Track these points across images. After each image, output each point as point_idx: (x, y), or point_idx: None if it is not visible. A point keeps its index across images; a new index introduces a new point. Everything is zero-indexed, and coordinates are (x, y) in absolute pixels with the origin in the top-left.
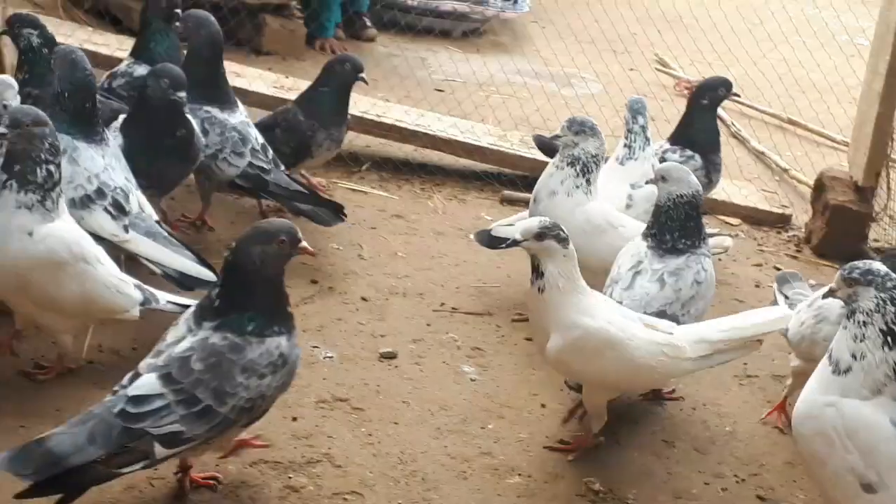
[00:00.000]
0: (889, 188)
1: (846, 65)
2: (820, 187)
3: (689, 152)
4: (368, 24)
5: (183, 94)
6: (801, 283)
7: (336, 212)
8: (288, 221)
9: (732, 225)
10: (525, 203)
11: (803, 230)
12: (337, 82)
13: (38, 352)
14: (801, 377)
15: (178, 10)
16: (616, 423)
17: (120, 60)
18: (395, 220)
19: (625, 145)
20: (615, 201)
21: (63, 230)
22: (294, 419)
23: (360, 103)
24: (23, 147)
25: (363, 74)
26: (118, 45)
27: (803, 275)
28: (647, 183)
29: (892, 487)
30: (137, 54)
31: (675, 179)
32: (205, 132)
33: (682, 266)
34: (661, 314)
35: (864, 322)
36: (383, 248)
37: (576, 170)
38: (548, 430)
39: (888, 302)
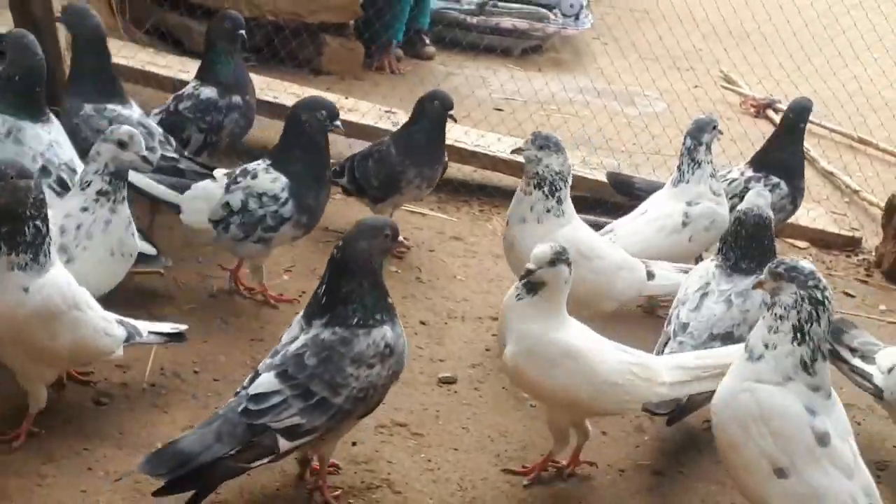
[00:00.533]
0: None
1: None
2: (892, 209)
3: (774, 179)
4: (428, 42)
5: (339, 123)
6: (859, 331)
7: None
8: (387, 217)
9: (800, 248)
10: (593, 225)
11: (874, 254)
12: (428, 120)
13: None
14: None
15: (243, 32)
16: (680, 453)
17: (182, 82)
18: (453, 242)
19: (677, 167)
20: (672, 218)
21: (57, 280)
22: (353, 444)
23: None
24: (6, 202)
25: (453, 112)
26: (180, 67)
27: (866, 299)
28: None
29: (804, 473)
30: (203, 76)
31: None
32: None
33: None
34: (727, 336)
35: (780, 315)
36: (442, 271)
37: (543, 192)
38: (609, 457)
39: (805, 300)
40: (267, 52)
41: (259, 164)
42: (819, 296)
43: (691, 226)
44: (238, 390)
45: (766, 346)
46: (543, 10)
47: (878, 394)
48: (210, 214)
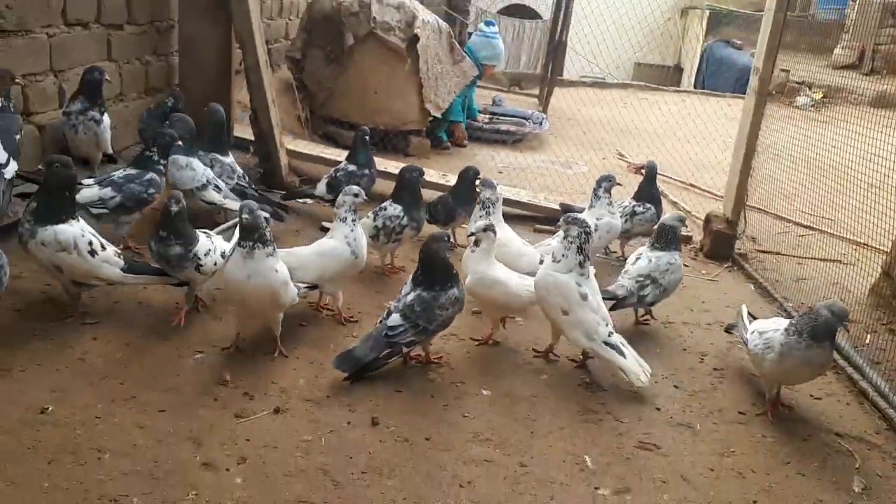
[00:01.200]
0: (745, 221)
1: (722, 153)
2: (707, 220)
3: (647, 205)
4: (465, 142)
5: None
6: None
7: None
8: (446, 230)
9: None
10: (548, 232)
11: (699, 244)
12: (466, 181)
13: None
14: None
15: (368, 136)
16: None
17: (337, 162)
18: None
19: (591, 200)
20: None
21: (280, 262)
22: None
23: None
24: (255, 223)
25: (480, 176)
26: (337, 154)
27: (695, 268)
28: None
29: (576, 312)
30: (349, 159)
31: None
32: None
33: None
34: (647, 276)
35: (570, 242)
36: None
37: (486, 210)
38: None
39: (583, 233)
40: (381, 144)
41: (387, 203)
42: (588, 231)
43: (598, 231)
44: (380, 320)
45: (563, 256)
46: (523, 120)
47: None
48: (369, 233)
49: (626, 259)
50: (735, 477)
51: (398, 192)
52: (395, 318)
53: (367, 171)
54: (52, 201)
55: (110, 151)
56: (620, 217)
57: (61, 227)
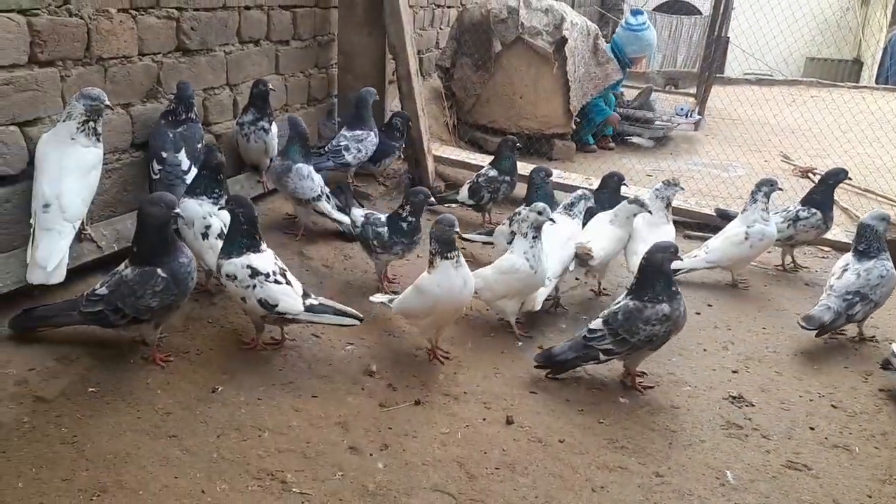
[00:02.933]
0: None
1: (892, 150)
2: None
3: (813, 210)
4: (612, 143)
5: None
6: None
7: None
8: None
9: (824, 250)
10: (700, 238)
11: None
12: (609, 188)
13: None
14: None
15: (515, 143)
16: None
17: (481, 167)
18: None
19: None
20: (736, 235)
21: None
22: None
23: None
24: (443, 234)
25: (624, 182)
26: (482, 160)
27: None
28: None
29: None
30: (493, 164)
31: None
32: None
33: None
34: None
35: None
36: None
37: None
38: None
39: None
40: (525, 149)
41: (521, 208)
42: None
43: (750, 240)
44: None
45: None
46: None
47: None
48: (506, 240)
49: (789, 268)
50: None
51: (529, 195)
52: (597, 323)
53: (507, 178)
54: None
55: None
56: (783, 222)
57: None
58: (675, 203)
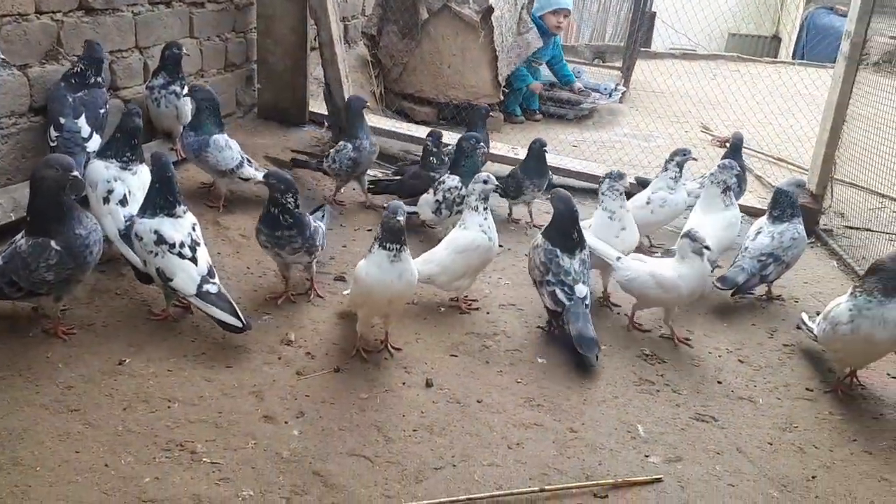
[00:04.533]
0: (832, 195)
1: (805, 122)
2: None
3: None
4: (538, 115)
5: (484, 148)
6: None
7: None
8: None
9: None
10: None
11: None
12: (534, 154)
13: None
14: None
15: (489, 112)
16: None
17: (411, 137)
18: None
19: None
20: (638, 199)
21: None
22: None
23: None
24: (386, 221)
25: (546, 148)
26: (409, 129)
27: None
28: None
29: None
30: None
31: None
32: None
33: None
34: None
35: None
36: None
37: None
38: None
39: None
40: (453, 119)
41: (444, 176)
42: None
43: (651, 205)
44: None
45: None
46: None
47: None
48: (431, 209)
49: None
50: (795, 452)
51: (455, 163)
52: (582, 288)
53: (486, 150)
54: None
55: None
56: (700, 188)
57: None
58: (597, 171)
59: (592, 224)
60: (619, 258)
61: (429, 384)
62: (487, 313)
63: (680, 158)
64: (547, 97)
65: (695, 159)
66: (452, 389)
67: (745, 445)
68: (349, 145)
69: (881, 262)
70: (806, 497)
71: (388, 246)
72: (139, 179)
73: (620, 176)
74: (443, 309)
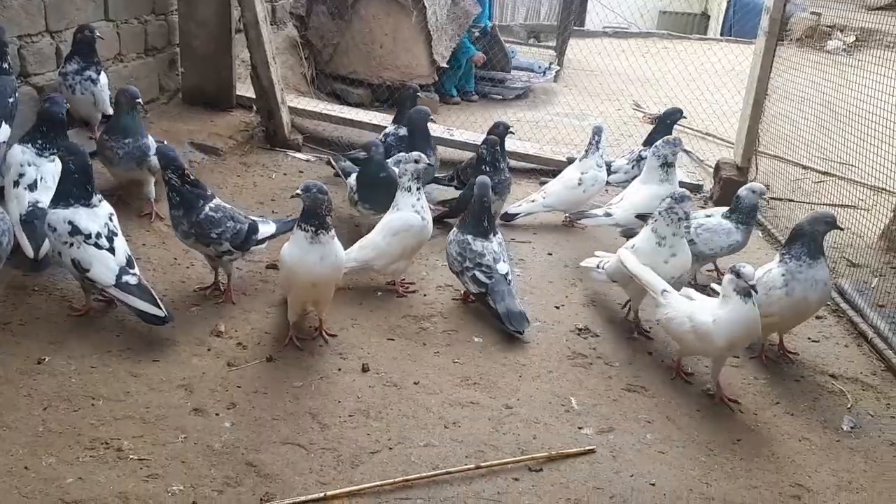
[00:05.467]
0: (756, 168)
1: (731, 97)
2: (717, 168)
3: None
4: (474, 96)
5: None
6: None
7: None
8: None
9: None
10: None
11: (709, 192)
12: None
13: None
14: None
15: (420, 93)
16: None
17: (343, 119)
18: None
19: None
20: (570, 180)
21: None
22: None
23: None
24: (314, 206)
25: (512, 130)
26: (342, 111)
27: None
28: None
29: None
30: (397, 121)
31: None
32: None
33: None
34: None
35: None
36: None
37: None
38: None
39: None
40: (387, 101)
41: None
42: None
43: (583, 185)
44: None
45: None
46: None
47: None
48: None
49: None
50: (721, 417)
51: (411, 134)
52: (504, 266)
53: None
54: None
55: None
56: (629, 164)
57: None
58: (531, 151)
59: (637, 245)
60: (664, 291)
61: (365, 369)
62: (425, 295)
63: (599, 136)
64: (481, 76)
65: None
66: (389, 373)
67: (674, 413)
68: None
69: (800, 227)
70: (731, 459)
71: (304, 227)
72: (56, 167)
73: (682, 199)
74: (379, 293)
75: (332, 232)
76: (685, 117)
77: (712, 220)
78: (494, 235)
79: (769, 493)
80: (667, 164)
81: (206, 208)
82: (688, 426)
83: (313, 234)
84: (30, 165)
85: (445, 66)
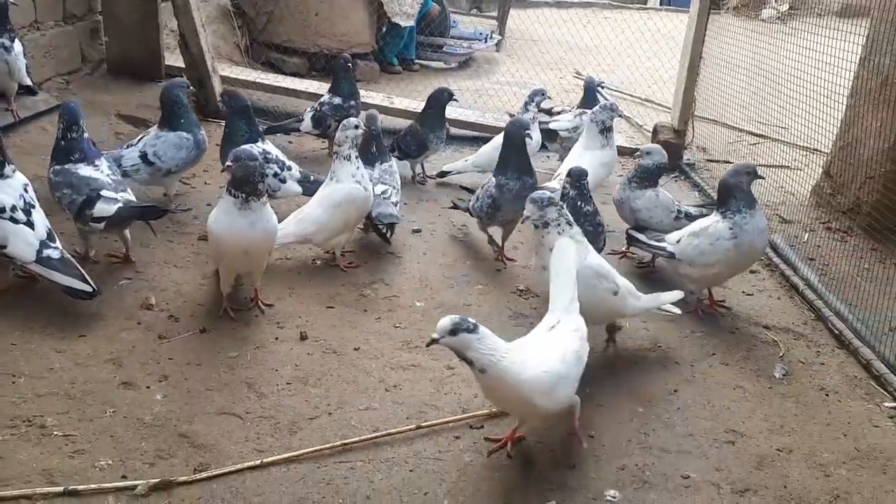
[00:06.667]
0: (693, 131)
1: (670, 64)
2: (655, 132)
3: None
4: (415, 65)
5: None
6: (651, 232)
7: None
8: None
9: None
10: None
11: None
12: (438, 106)
13: None
14: None
15: (349, 61)
16: None
17: (277, 88)
18: None
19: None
20: (497, 140)
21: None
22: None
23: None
24: (243, 175)
25: (455, 97)
26: (277, 80)
27: None
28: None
29: None
30: (333, 91)
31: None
32: None
33: None
34: None
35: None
36: None
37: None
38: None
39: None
40: (323, 70)
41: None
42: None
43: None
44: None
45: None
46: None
47: (671, 257)
48: None
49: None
50: (659, 369)
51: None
52: (381, 187)
53: (352, 102)
54: None
55: (27, 82)
56: (574, 117)
57: None
58: (473, 118)
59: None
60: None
61: (303, 337)
62: (366, 262)
63: (539, 98)
64: (421, 42)
65: (550, 98)
66: (328, 340)
67: (613, 366)
68: (493, 181)
69: (724, 182)
70: (669, 409)
71: (234, 192)
72: None
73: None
74: (318, 262)
75: (265, 199)
76: (603, 85)
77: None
78: (381, 164)
79: (705, 440)
80: (605, 130)
81: (53, 169)
82: (626, 379)
83: (244, 200)
84: None
85: (412, 24)
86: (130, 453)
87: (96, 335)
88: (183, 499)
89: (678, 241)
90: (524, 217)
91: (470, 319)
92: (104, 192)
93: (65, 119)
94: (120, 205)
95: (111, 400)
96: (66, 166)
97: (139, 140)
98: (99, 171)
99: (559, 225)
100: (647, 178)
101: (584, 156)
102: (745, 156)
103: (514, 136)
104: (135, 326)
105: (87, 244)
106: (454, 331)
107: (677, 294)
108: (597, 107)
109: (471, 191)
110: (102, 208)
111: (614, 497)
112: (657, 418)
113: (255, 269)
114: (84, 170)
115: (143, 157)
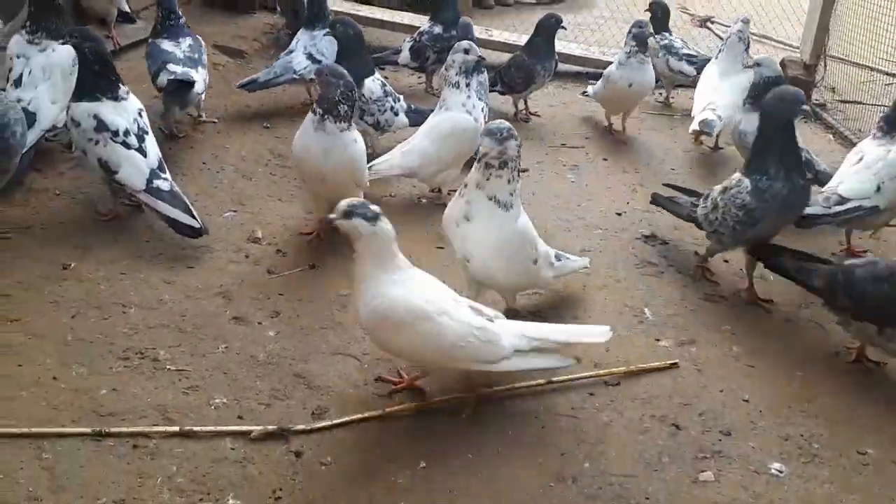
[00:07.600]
0: (825, 67)
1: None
2: (783, 65)
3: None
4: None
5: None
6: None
7: None
8: None
9: None
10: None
11: None
12: (546, 32)
13: None
14: None
15: None
16: None
17: (371, 20)
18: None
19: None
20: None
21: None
22: None
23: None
24: (332, 95)
25: (564, 24)
26: (369, 12)
27: None
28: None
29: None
30: (434, 19)
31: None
32: None
33: None
34: None
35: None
36: None
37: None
38: None
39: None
40: (422, 3)
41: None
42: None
43: (633, 87)
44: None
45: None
46: None
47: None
48: None
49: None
50: (813, 328)
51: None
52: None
53: (454, 33)
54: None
55: (125, 8)
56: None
57: None
58: (578, 52)
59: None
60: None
61: None
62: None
63: (637, 31)
64: None
65: (652, 34)
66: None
67: (759, 324)
68: (745, 182)
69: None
70: (831, 374)
71: (314, 109)
72: (46, 59)
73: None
74: (423, 201)
75: (346, 124)
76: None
77: None
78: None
79: (883, 410)
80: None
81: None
82: (776, 338)
83: (319, 118)
84: (18, 58)
85: None
86: (245, 391)
87: (204, 267)
88: (302, 444)
89: (878, 190)
90: (480, 155)
91: (374, 208)
92: (169, 66)
93: (164, 8)
94: (171, 77)
95: (223, 335)
96: (155, 40)
97: (296, 44)
98: (177, 47)
99: (514, 170)
100: (759, 95)
101: (725, 84)
102: (880, 97)
103: (783, 114)
104: (243, 259)
105: (170, 117)
106: (348, 213)
107: (585, 261)
108: (739, 22)
109: None
110: (161, 79)
111: (780, 471)
112: (819, 383)
113: (341, 198)
114: (165, 44)
115: (310, 56)
